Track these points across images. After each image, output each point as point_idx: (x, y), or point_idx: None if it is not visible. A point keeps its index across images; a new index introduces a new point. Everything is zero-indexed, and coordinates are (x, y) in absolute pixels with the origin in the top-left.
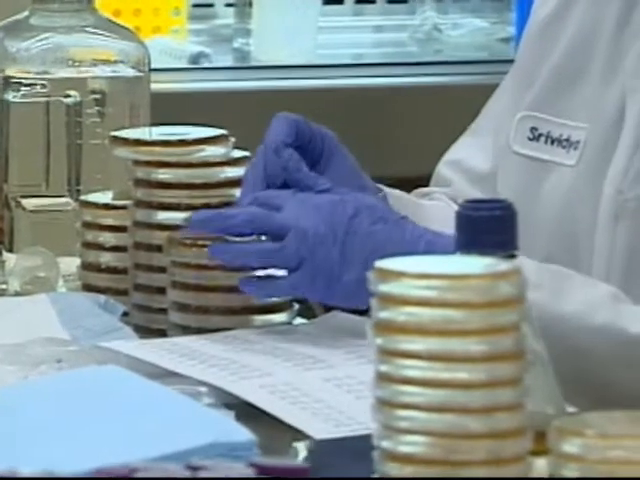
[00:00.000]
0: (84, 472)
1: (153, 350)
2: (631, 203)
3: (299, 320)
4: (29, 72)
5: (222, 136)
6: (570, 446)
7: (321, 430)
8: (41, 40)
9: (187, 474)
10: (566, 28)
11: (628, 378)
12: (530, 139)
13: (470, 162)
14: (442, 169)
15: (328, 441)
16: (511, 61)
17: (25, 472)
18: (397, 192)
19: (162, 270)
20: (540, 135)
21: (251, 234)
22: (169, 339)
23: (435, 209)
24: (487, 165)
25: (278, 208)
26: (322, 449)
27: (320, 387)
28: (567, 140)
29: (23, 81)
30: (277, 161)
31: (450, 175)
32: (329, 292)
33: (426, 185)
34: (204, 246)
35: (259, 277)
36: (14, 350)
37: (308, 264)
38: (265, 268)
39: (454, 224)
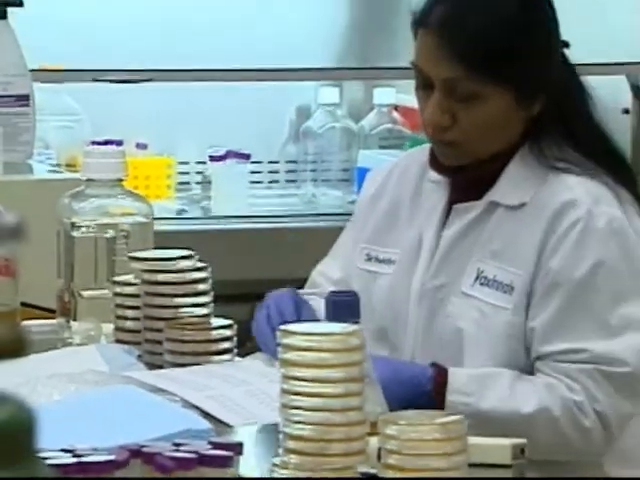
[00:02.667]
0: (113, 446)
1: (152, 377)
2: (429, 291)
3: (237, 358)
4: (85, 220)
5: (190, 255)
6: (390, 430)
7: (234, 420)
8: (91, 202)
9: (173, 448)
10: (383, 198)
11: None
12: (365, 260)
13: (329, 273)
14: (314, 276)
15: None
16: None
17: (79, 446)
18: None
19: (160, 331)
20: (371, 257)
21: None
22: (162, 370)
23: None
24: (339, 275)
25: None
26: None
27: (240, 396)
28: (388, 260)
29: (82, 225)
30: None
31: (318, 280)
32: None
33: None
34: (185, 324)
35: None
36: (73, 376)
37: None
38: None
39: (324, 305)
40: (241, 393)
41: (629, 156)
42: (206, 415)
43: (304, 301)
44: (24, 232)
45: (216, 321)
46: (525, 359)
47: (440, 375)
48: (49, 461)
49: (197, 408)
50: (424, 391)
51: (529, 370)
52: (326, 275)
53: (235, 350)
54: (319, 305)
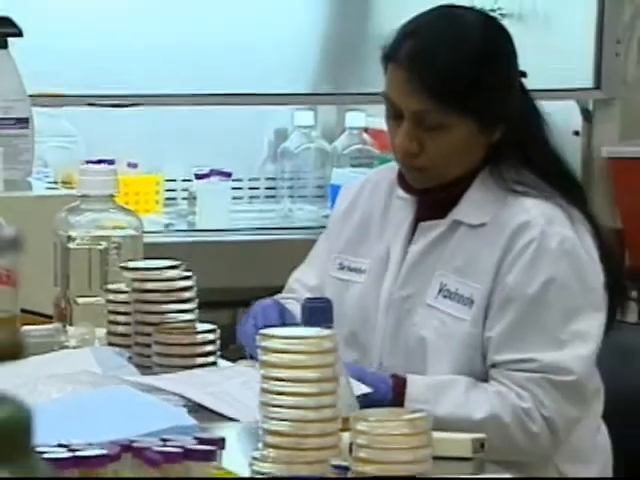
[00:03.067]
0: (106, 441)
1: (144, 377)
2: (396, 301)
3: (220, 360)
4: (80, 232)
5: (176, 265)
6: (360, 426)
7: (235, 415)
8: (86, 216)
9: (160, 443)
10: (355, 212)
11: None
12: (338, 269)
13: (305, 280)
14: (290, 282)
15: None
16: None
17: (75, 441)
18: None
19: (149, 335)
20: (344, 267)
21: None
22: (154, 375)
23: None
24: (314, 282)
25: None
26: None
27: (236, 389)
28: (359, 269)
29: (77, 237)
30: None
31: (295, 286)
32: None
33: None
34: (171, 328)
35: None
36: (69, 376)
37: None
38: None
39: (300, 311)
40: (236, 385)
41: (579, 175)
42: (204, 410)
43: (287, 310)
44: (23, 244)
45: (201, 326)
46: (482, 366)
47: (398, 385)
48: (46, 455)
49: (199, 405)
50: (385, 399)
51: (486, 377)
52: (302, 282)
53: (218, 353)
54: (296, 309)
